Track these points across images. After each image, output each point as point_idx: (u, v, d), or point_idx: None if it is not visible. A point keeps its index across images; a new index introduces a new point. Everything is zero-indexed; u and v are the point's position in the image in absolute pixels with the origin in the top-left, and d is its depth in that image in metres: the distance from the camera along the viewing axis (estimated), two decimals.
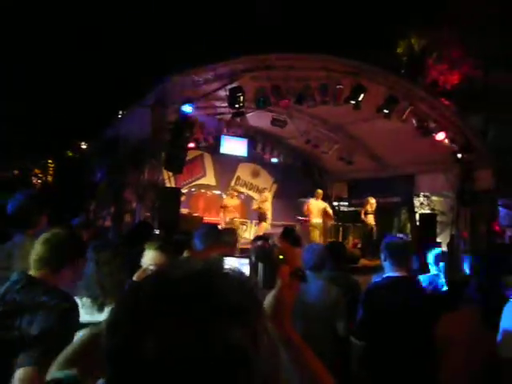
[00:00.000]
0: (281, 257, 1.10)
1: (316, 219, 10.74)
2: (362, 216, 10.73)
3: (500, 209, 12.24)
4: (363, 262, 8.83)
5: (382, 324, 2.83)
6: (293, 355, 1.04)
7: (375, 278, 3.70)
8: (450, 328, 2.79)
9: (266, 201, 10.89)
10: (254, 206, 11.54)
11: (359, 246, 11.06)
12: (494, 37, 13.27)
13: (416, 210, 12.45)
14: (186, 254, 1.72)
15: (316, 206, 10.81)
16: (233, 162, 12.56)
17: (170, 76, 7.58)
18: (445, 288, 4.15)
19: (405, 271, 2.93)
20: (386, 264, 2.99)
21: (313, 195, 11.03)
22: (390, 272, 2.97)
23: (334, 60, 7.98)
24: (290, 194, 12.57)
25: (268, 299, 1.08)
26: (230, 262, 1.29)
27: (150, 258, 1.75)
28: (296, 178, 12.81)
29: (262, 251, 1.11)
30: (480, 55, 14.02)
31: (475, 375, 2.60)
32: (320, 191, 11.01)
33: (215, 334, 0.62)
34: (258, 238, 4.40)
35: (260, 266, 1.08)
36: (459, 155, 9.69)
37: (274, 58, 7.66)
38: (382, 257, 3.02)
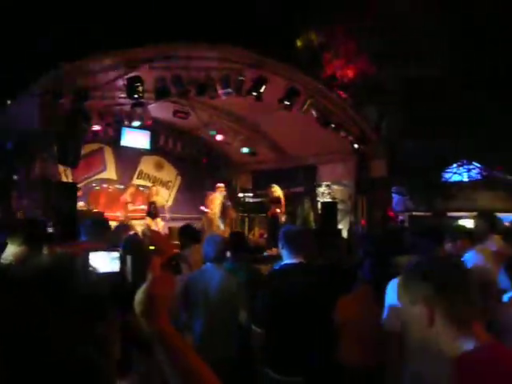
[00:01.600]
0: (151, 247, 1.00)
1: (217, 212, 10.78)
2: (271, 205, 10.72)
3: (393, 195, 13.14)
4: (268, 251, 9.01)
5: (280, 310, 2.86)
6: (169, 354, 0.94)
7: (275, 266, 3.75)
8: (345, 309, 2.91)
9: (156, 194, 10.46)
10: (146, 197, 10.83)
11: (265, 236, 11.23)
12: (386, 35, 14.10)
13: (318, 199, 12.92)
14: (45, 249, 1.56)
15: (217, 200, 10.84)
16: (135, 154, 12.05)
17: (61, 62, 7.05)
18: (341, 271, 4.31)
19: (302, 258, 2.99)
20: (284, 252, 3.04)
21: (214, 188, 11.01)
22: (287, 259, 3.01)
23: (234, 51, 7.94)
24: (195, 186, 12.43)
25: (138, 294, 0.96)
26: (99, 257, 1.18)
27: (11, 253, 1.57)
28: (201, 170, 12.69)
29: (129, 243, 1.01)
30: (373, 52, 14.85)
31: (371, 351, 2.73)
32: (220, 185, 10.99)
33: (61, 334, 0.57)
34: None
35: (128, 258, 0.97)
36: (356, 146, 10.19)
37: (171, 47, 7.44)
38: (280, 245, 3.06)
